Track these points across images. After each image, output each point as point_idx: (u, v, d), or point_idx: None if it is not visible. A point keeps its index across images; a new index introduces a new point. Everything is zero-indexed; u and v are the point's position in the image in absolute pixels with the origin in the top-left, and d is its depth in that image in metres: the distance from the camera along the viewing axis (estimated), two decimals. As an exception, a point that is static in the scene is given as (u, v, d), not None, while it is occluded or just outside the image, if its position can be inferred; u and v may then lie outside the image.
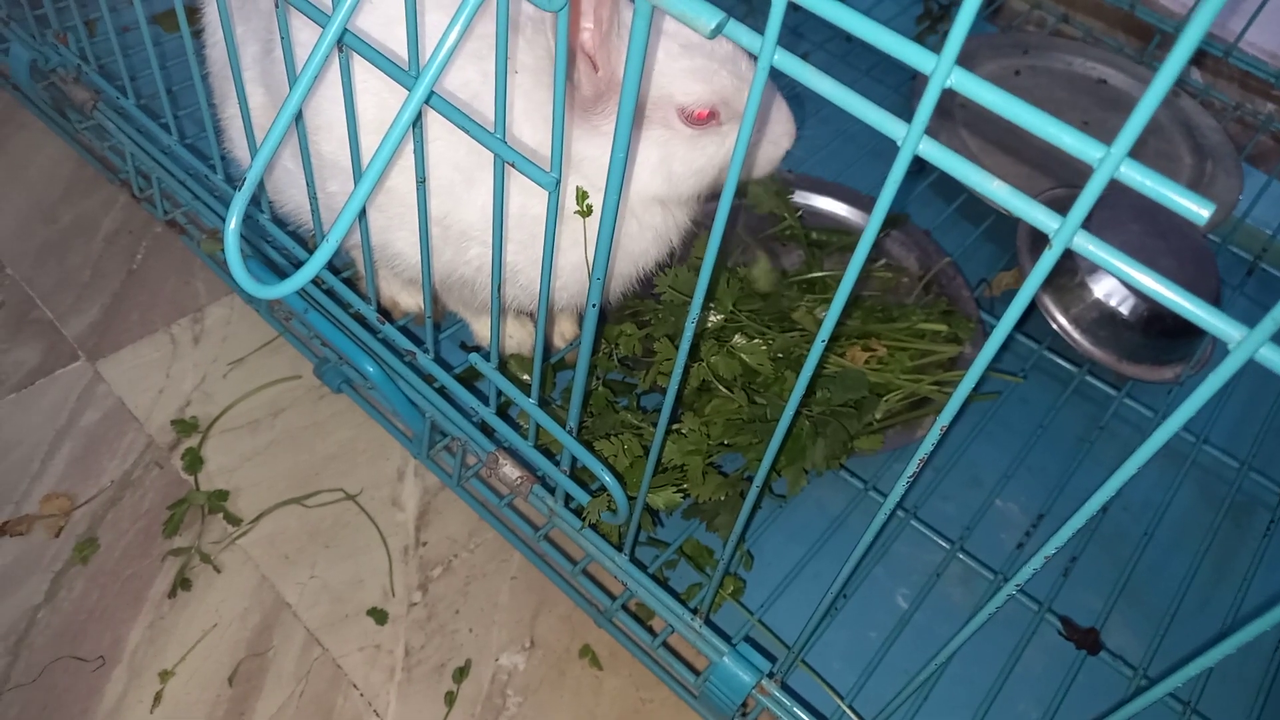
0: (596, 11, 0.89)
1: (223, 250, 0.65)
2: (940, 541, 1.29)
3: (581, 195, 1.00)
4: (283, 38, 0.91)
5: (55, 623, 1.21)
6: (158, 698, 1.16)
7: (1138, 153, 1.80)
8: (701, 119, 1.01)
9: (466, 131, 0.77)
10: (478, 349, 1.39)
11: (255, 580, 1.27)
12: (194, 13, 1.23)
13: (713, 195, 1.11)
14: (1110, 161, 0.46)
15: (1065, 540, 0.64)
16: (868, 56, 1.98)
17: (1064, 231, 0.50)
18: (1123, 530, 1.35)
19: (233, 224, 0.64)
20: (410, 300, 1.39)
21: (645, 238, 1.12)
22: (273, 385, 1.46)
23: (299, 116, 0.98)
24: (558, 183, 0.75)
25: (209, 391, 1.45)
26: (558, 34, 0.68)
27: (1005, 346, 1.49)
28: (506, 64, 0.72)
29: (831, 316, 0.63)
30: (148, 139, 1.46)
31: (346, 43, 0.78)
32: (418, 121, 0.82)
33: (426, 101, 0.62)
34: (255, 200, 1.25)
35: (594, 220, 1.02)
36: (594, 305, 0.81)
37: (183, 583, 1.25)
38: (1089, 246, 0.50)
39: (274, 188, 1.22)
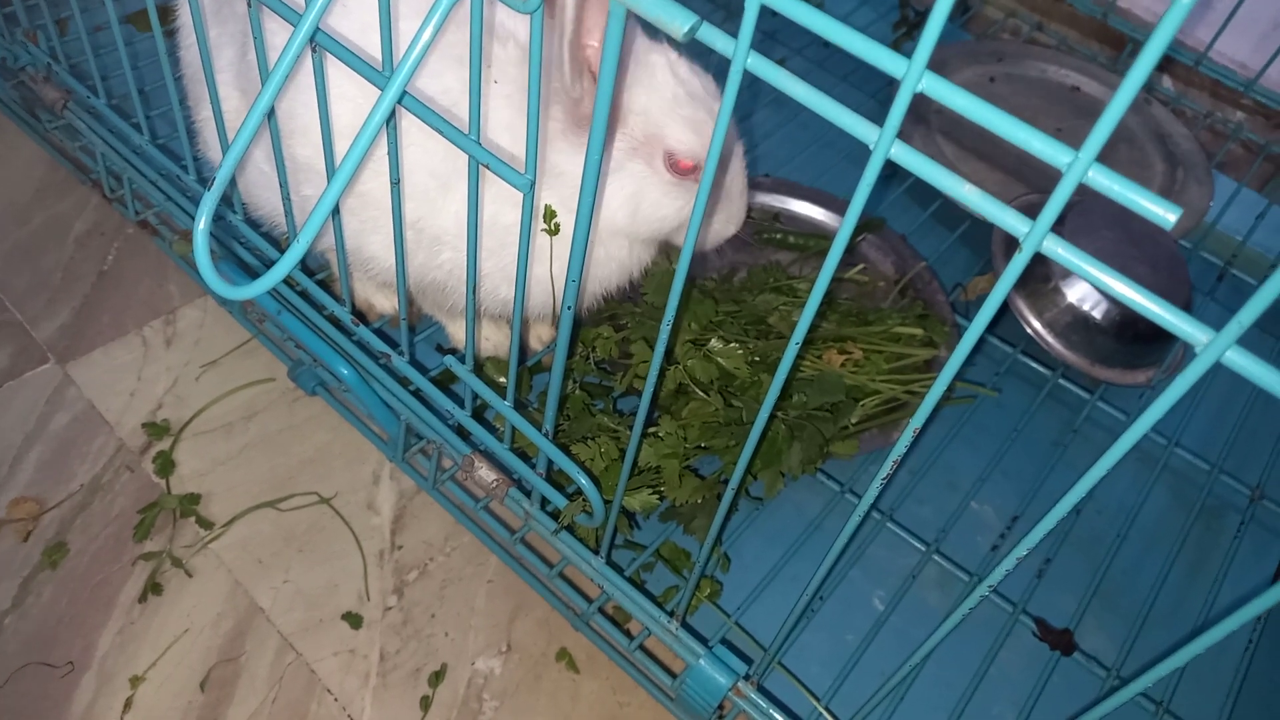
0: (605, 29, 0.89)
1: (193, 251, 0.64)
2: (916, 544, 1.29)
3: (550, 214, 1.00)
4: (256, 39, 0.90)
5: (24, 629, 1.19)
6: (128, 704, 1.14)
7: (1109, 160, 1.82)
8: (683, 169, 1.03)
9: (441, 133, 0.77)
10: (454, 351, 1.38)
11: (228, 585, 1.25)
12: (168, 13, 1.22)
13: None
14: (1079, 166, 0.46)
15: (1037, 542, 0.64)
16: (845, 62, 1.99)
17: (1034, 235, 0.50)
18: (1097, 533, 1.37)
19: (202, 223, 0.63)
20: (385, 302, 1.38)
21: (610, 266, 1.14)
22: (247, 388, 1.45)
23: (272, 114, 0.97)
24: (533, 184, 0.75)
25: (181, 394, 1.43)
26: (531, 36, 0.67)
27: (979, 350, 1.50)
28: (481, 65, 0.72)
29: (805, 320, 0.63)
30: (119, 139, 1.45)
31: (319, 42, 0.77)
32: (391, 121, 0.82)
33: (399, 102, 0.62)
34: (229, 202, 1.24)
35: (560, 239, 1.03)
36: (569, 308, 0.80)
37: (154, 587, 1.23)
38: (1059, 250, 0.50)
39: (248, 191, 1.21)
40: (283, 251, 1.26)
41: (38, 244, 1.59)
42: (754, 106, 1.86)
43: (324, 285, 1.35)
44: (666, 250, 1.25)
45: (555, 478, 1.12)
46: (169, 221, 1.56)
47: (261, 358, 1.49)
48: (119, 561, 1.26)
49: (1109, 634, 1.27)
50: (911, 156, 0.53)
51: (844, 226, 0.56)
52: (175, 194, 1.39)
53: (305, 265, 1.23)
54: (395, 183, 0.90)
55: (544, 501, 1.12)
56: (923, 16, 2.06)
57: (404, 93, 0.63)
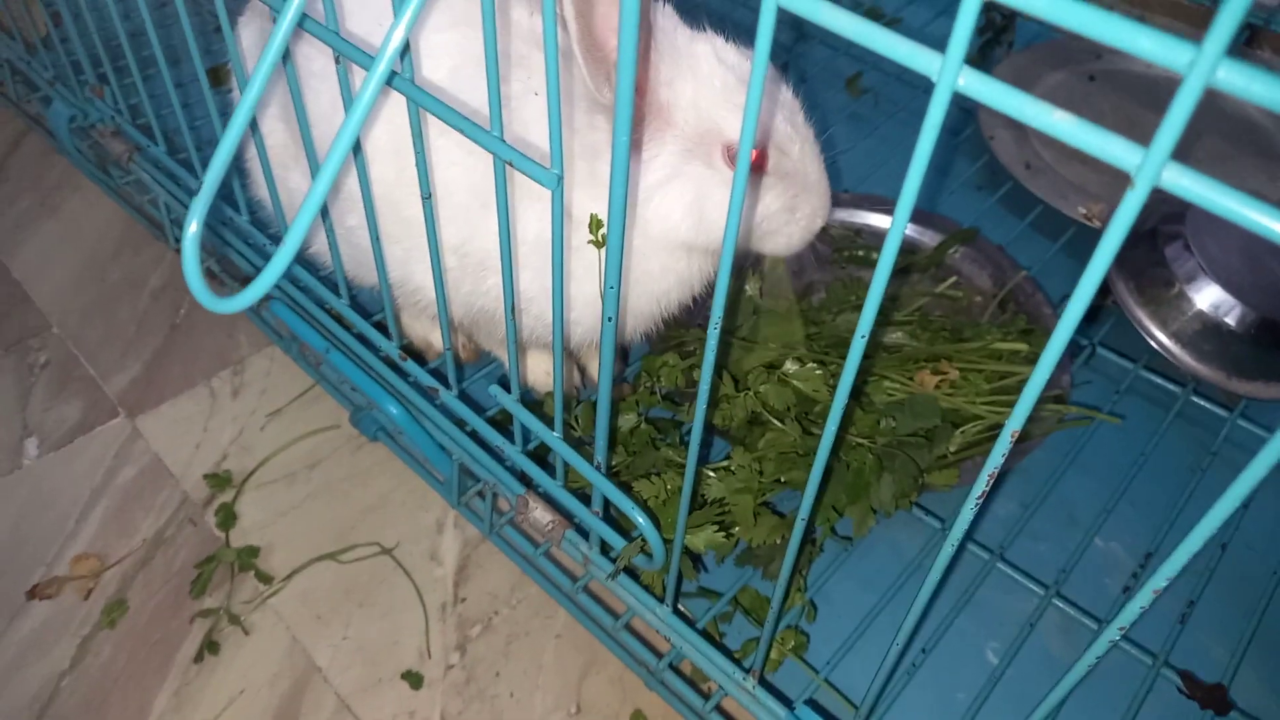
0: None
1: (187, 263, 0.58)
2: (1033, 587, 1.14)
3: (596, 224, 0.92)
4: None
5: (80, 690, 1.15)
6: (180, 770, 1.08)
7: (1230, 147, 1.64)
8: None
9: (462, 131, 0.70)
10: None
11: (286, 642, 1.19)
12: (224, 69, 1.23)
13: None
14: (1204, 63, 0.35)
15: (1176, 573, 0.51)
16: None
17: (1149, 165, 0.39)
18: (1247, 570, 1.18)
19: (192, 228, 0.57)
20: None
21: (667, 280, 1.04)
22: (311, 436, 1.41)
23: (310, 141, 0.93)
24: (560, 179, 0.67)
25: (246, 444, 1.40)
26: (544, 15, 0.60)
27: (1095, 366, 1.35)
28: (496, 53, 0.65)
29: (873, 299, 0.52)
30: (182, 189, 1.45)
31: (306, 28, 0.72)
32: (409, 123, 0.75)
33: (388, 83, 0.55)
34: (275, 236, 1.21)
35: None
36: (609, 319, 0.72)
37: (210, 646, 1.18)
38: (1181, 181, 0.39)
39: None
40: (333, 285, 1.22)
41: (114, 299, 1.61)
42: (830, 122, 1.76)
43: (381, 328, 1.30)
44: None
45: (619, 520, 1.02)
46: (231, 268, 1.55)
47: (326, 405, 1.45)
48: (177, 618, 1.21)
49: (1271, 687, 1.09)
50: (984, 84, 0.42)
51: (910, 176, 0.46)
52: (233, 239, 1.37)
53: (362, 306, 1.18)
54: (426, 198, 0.83)
55: (605, 546, 1.02)
56: (1010, 21, 1.93)
57: (394, 73, 0.56)
